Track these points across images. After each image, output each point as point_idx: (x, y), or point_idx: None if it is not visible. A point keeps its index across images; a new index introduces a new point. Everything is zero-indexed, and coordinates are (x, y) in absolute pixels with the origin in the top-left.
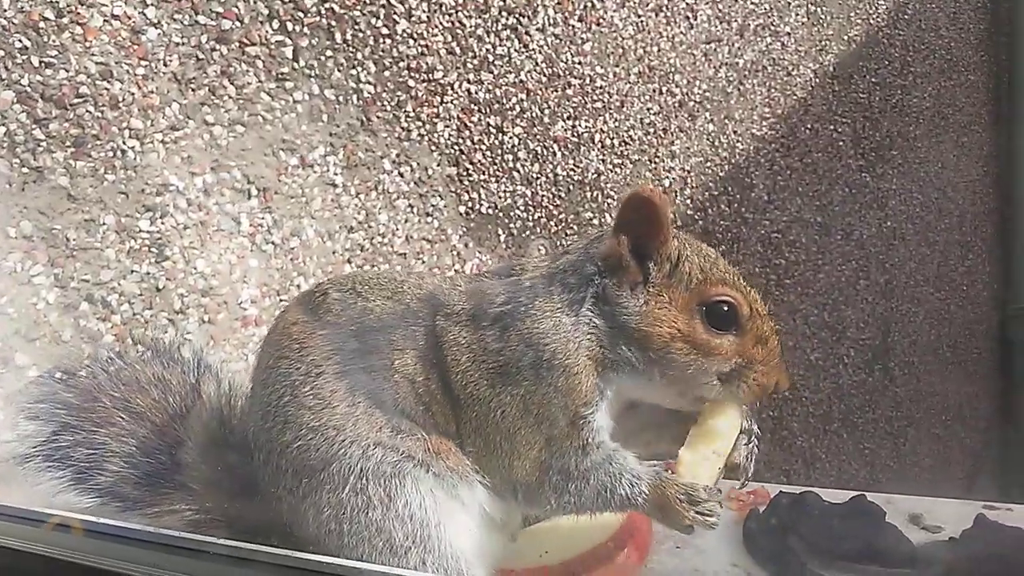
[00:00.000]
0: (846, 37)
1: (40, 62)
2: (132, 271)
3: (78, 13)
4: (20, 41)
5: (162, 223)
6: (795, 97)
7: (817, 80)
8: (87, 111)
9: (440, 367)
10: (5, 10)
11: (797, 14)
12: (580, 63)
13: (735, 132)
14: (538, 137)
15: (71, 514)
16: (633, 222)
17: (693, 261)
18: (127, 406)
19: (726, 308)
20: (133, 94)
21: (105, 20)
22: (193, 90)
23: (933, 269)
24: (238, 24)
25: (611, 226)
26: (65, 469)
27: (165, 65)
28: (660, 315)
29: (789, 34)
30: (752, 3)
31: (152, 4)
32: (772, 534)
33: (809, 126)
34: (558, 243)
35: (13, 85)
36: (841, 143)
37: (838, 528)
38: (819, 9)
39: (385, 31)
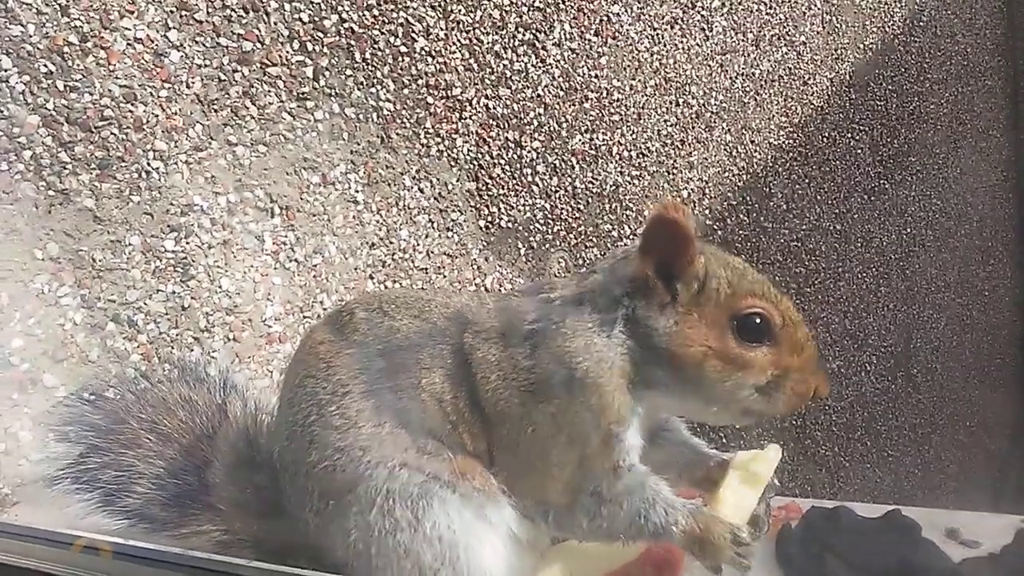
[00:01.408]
0: (862, 45)
1: (65, 86)
2: (158, 290)
3: (102, 37)
4: (45, 66)
5: (187, 243)
6: (812, 106)
7: (834, 88)
8: (112, 133)
9: (469, 385)
10: (31, 36)
11: (812, 24)
12: (597, 76)
13: (752, 142)
14: (556, 151)
15: (98, 536)
16: (658, 243)
17: (721, 276)
18: (154, 427)
19: (758, 320)
20: (157, 116)
21: (128, 44)
22: (216, 111)
23: (954, 275)
24: (259, 45)
25: (637, 246)
26: (93, 491)
27: (188, 87)
28: (691, 335)
29: (805, 43)
30: (767, 14)
31: (174, 27)
32: (806, 550)
33: (827, 134)
34: (578, 255)
35: (39, 109)
36: (859, 151)
37: (873, 544)
38: (834, 18)
39: (404, 49)
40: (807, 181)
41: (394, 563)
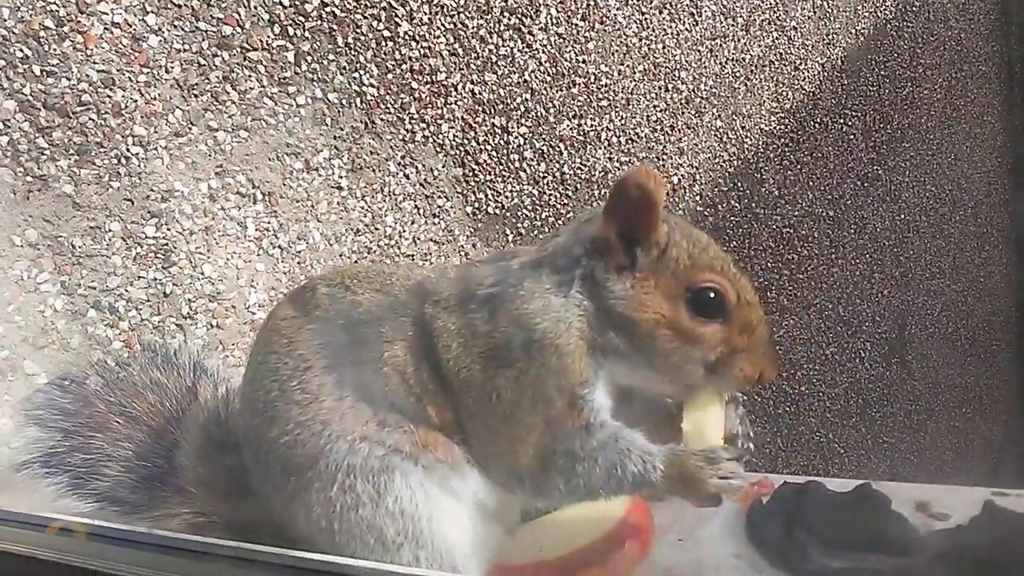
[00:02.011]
0: (854, 30)
1: (41, 71)
2: (139, 277)
3: (78, 22)
4: (21, 50)
5: (168, 229)
6: (803, 91)
7: (825, 74)
8: (90, 119)
9: (431, 356)
10: (5, 20)
11: (803, 8)
12: (584, 62)
13: (743, 128)
14: (544, 136)
15: (73, 518)
16: (623, 205)
17: (682, 247)
18: (123, 411)
19: (712, 295)
20: (136, 101)
21: (105, 28)
22: (196, 96)
23: (949, 261)
24: (239, 30)
25: (602, 208)
26: (63, 474)
27: (167, 72)
28: (645, 300)
29: (796, 28)
30: None
31: (152, 11)
32: (776, 524)
33: (818, 120)
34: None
35: (15, 94)
36: (851, 136)
37: (843, 517)
38: (826, 3)
39: (387, 34)
40: (799, 167)
41: (357, 539)
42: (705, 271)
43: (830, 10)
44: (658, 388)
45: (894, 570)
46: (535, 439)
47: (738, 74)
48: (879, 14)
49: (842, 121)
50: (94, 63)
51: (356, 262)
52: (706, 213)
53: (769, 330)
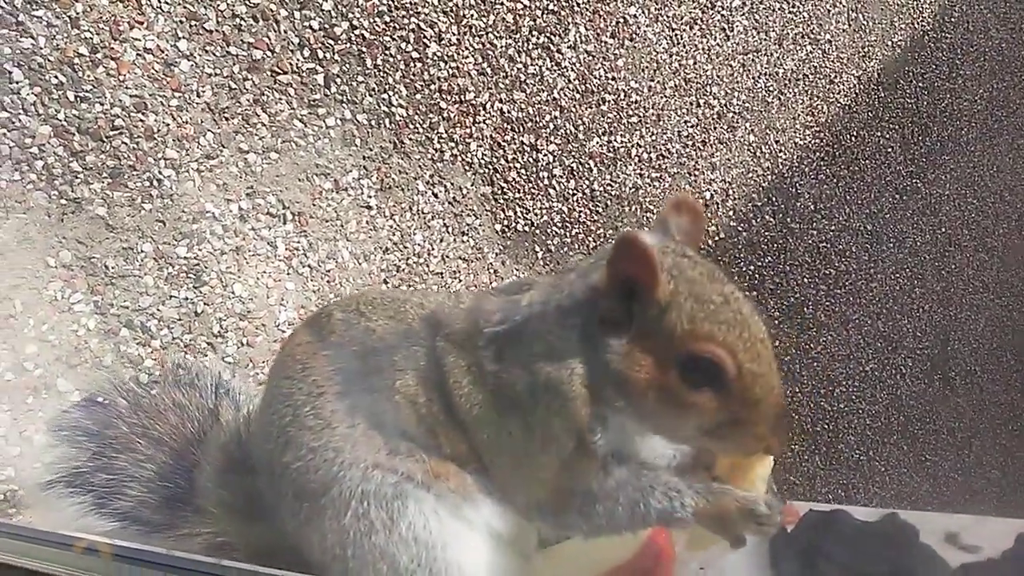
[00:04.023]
0: (890, 42)
1: (76, 96)
2: (171, 296)
3: (112, 48)
4: (56, 77)
5: (199, 249)
6: (839, 105)
7: (861, 87)
8: (123, 143)
9: (442, 389)
10: (41, 48)
11: (838, 21)
12: (614, 79)
13: (777, 142)
14: (573, 153)
15: (99, 538)
16: (624, 260)
17: (683, 309)
18: (145, 432)
19: (706, 365)
20: (168, 125)
21: (138, 54)
22: (227, 119)
23: (992, 275)
24: (269, 53)
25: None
26: (86, 494)
27: (198, 96)
28: (637, 359)
29: (830, 41)
30: (790, 12)
31: (184, 37)
32: (800, 554)
33: (855, 133)
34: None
35: (50, 120)
36: (889, 149)
37: (868, 548)
38: (860, 15)
39: (415, 55)
40: (835, 181)
41: (370, 565)
42: (702, 340)
43: (865, 22)
44: (669, 441)
45: None
46: (551, 477)
47: (771, 88)
48: (916, 25)
49: (879, 134)
50: (127, 88)
51: (385, 281)
52: (740, 228)
53: (780, 402)
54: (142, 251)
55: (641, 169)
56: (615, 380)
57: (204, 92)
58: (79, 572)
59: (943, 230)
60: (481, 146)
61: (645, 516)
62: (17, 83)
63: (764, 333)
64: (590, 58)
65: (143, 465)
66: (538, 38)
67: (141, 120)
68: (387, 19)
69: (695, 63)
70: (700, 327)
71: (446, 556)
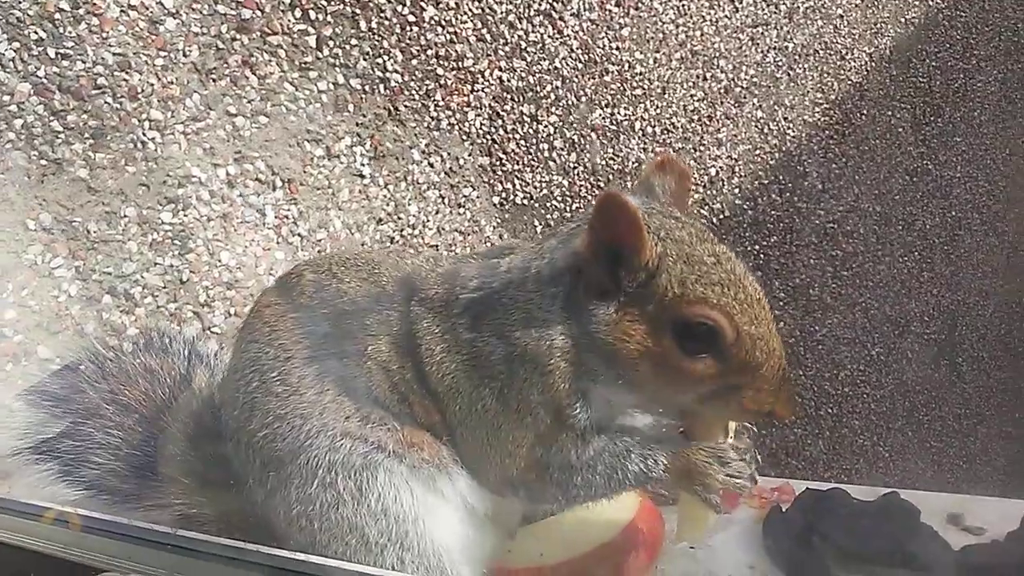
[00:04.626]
0: (903, 19)
1: (56, 53)
2: (155, 263)
3: (94, 4)
4: (36, 32)
5: (185, 215)
6: (849, 82)
7: (873, 64)
8: (105, 102)
9: (415, 357)
10: (20, 1)
11: None
12: (618, 49)
13: (785, 119)
14: (575, 125)
15: (68, 508)
16: (606, 223)
17: (673, 272)
18: (114, 397)
19: (702, 330)
20: (152, 85)
21: (122, 10)
22: (214, 80)
23: (1002, 259)
24: (259, 13)
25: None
26: (52, 461)
27: (184, 55)
28: (627, 329)
29: (842, 16)
30: None
31: None
32: (794, 533)
33: (865, 112)
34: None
35: (30, 77)
36: (900, 129)
37: (867, 528)
38: None
39: (412, 18)
40: (844, 160)
41: (338, 539)
42: (696, 304)
43: None
44: (656, 412)
45: None
46: (526, 452)
47: (780, 63)
48: (930, 2)
49: (890, 113)
50: (110, 46)
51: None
52: (745, 207)
53: (782, 365)
54: (125, 215)
55: (645, 143)
56: (603, 352)
57: (190, 52)
58: (49, 544)
59: (953, 213)
60: (479, 115)
61: (622, 480)
62: None
63: (760, 293)
64: (593, 27)
65: (110, 432)
66: (540, 4)
67: (125, 79)
68: None
69: (702, 35)
70: (692, 290)
71: (418, 530)
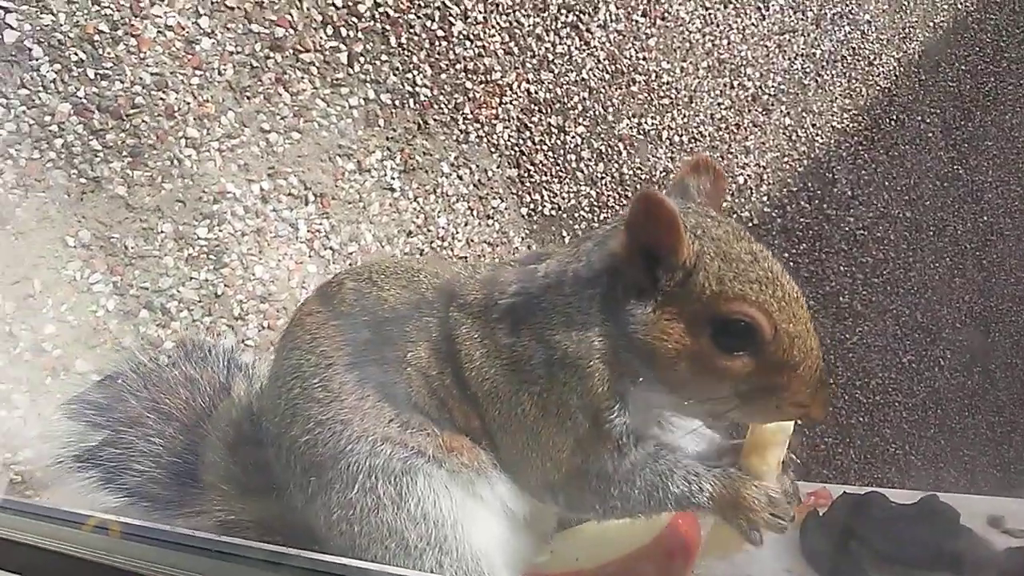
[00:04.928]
0: (932, 23)
1: (96, 74)
2: (191, 278)
3: (132, 25)
4: (76, 54)
5: (220, 230)
6: (878, 88)
7: (901, 69)
8: (143, 121)
9: (455, 362)
10: (61, 24)
11: (878, 1)
12: (645, 59)
13: (814, 125)
14: (602, 136)
15: (108, 516)
16: (643, 222)
17: (711, 270)
18: (155, 406)
19: (740, 328)
20: (188, 103)
21: (159, 31)
22: (248, 98)
23: None
24: (292, 31)
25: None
26: (93, 469)
27: (220, 74)
28: (666, 328)
29: (869, 22)
30: None
31: (205, 14)
32: (832, 538)
33: (894, 117)
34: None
35: (70, 97)
36: (930, 135)
37: (906, 532)
38: None
39: (441, 33)
40: (874, 166)
41: (378, 543)
42: (734, 300)
43: (906, 2)
44: (699, 417)
45: None
46: (566, 457)
47: (808, 70)
48: (959, 6)
49: (919, 118)
50: (147, 66)
51: None
52: (774, 214)
53: (819, 364)
54: (162, 231)
55: (672, 152)
56: (641, 352)
57: (225, 70)
58: (89, 550)
59: (984, 218)
60: (507, 127)
61: (663, 500)
62: (37, 60)
63: (798, 292)
64: (620, 38)
65: (152, 440)
66: (567, 17)
67: (161, 98)
68: None
69: (729, 43)
70: (730, 287)
71: (456, 534)
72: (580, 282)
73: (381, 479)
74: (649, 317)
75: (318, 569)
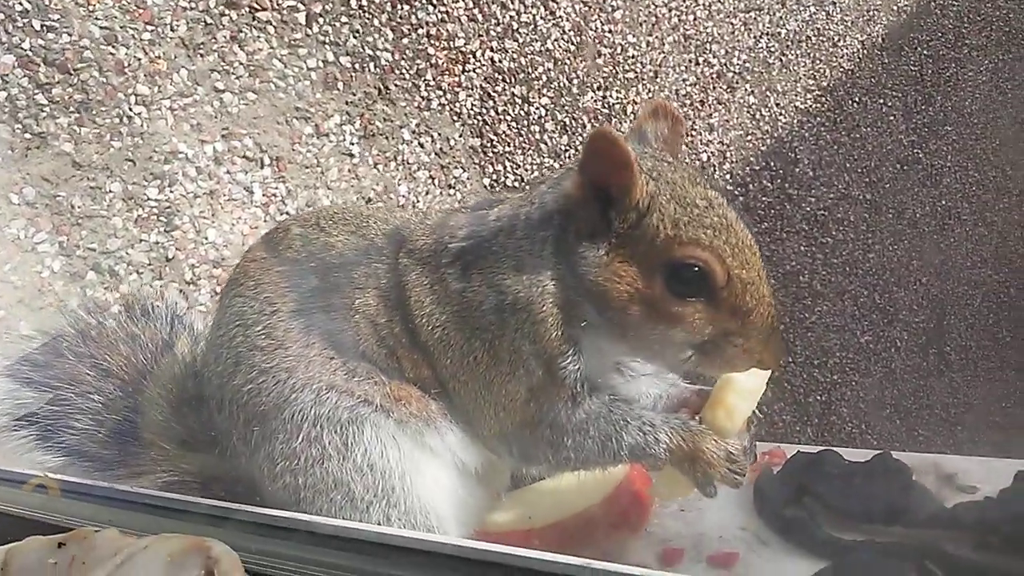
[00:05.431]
0: (895, 7)
1: (42, 25)
2: (140, 240)
3: None
4: (20, 4)
5: (171, 191)
6: (841, 69)
7: (865, 51)
8: (91, 76)
9: (403, 309)
10: None
11: None
12: (610, 31)
13: (777, 105)
14: (566, 108)
15: (49, 475)
16: (595, 162)
17: (666, 212)
18: (95, 363)
19: (693, 272)
20: (139, 59)
21: None
22: (202, 56)
23: (991, 249)
24: None
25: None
26: (29, 427)
27: (172, 30)
28: (618, 271)
29: (835, 3)
30: None
31: None
32: (786, 494)
33: (857, 99)
34: None
35: (14, 49)
36: (891, 117)
37: (859, 487)
38: None
39: None
40: (836, 147)
41: (323, 495)
42: (688, 245)
43: None
44: (653, 363)
45: (913, 544)
46: (519, 407)
47: (773, 49)
48: None
49: (881, 101)
50: (96, 19)
51: None
52: (736, 192)
53: (772, 312)
54: (110, 191)
55: None
56: (593, 295)
57: (178, 26)
58: (31, 511)
59: (943, 202)
60: (470, 96)
61: (616, 451)
62: None
63: (751, 239)
64: (586, 9)
65: (90, 397)
66: None
67: (111, 53)
68: None
69: (695, 19)
70: (685, 232)
71: (404, 486)
72: (532, 225)
73: (326, 428)
74: (602, 259)
75: (262, 522)
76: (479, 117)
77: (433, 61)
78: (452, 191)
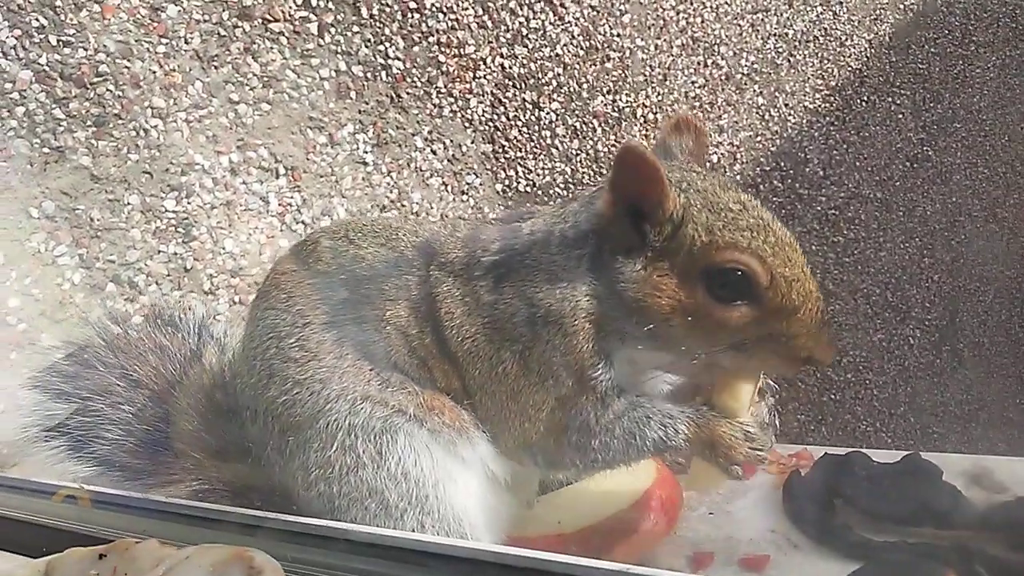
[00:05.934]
0: (902, 5)
1: (58, 41)
2: (159, 251)
3: None
4: (37, 20)
5: (188, 203)
6: (850, 68)
7: (873, 50)
8: (108, 90)
9: (434, 321)
10: None
11: None
12: (619, 35)
13: (786, 105)
14: (577, 112)
15: (76, 485)
16: (625, 178)
17: (700, 220)
18: (124, 374)
19: (734, 276)
20: (154, 72)
21: None
22: (216, 68)
23: (1002, 246)
24: (260, 0)
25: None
26: (61, 438)
27: (186, 43)
28: (658, 284)
29: (842, 3)
30: None
31: None
32: (815, 497)
33: (865, 98)
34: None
35: (31, 64)
36: (900, 115)
37: (889, 488)
38: None
39: (413, 5)
40: (845, 147)
41: (358, 503)
42: (726, 249)
43: None
44: (690, 374)
45: (945, 544)
46: (545, 416)
47: (781, 49)
48: None
49: (890, 99)
50: (112, 33)
51: None
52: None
53: (820, 307)
54: (128, 203)
55: (647, 130)
56: (632, 310)
57: (192, 39)
58: (61, 520)
59: (953, 199)
60: (481, 102)
61: (640, 447)
62: None
63: (791, 237)
64: (594, 13)
65: (121, 407)
66: None
67: (126, 67)
68: None
69: (703, 21)
70: (720, 236)
71: (438, 494)
72: (567, 242)
73: (361, 437)
74: (639, 274)
75: (296, 531)
76: (490, 123)
77: (444, 68)
78: (465, 197)
